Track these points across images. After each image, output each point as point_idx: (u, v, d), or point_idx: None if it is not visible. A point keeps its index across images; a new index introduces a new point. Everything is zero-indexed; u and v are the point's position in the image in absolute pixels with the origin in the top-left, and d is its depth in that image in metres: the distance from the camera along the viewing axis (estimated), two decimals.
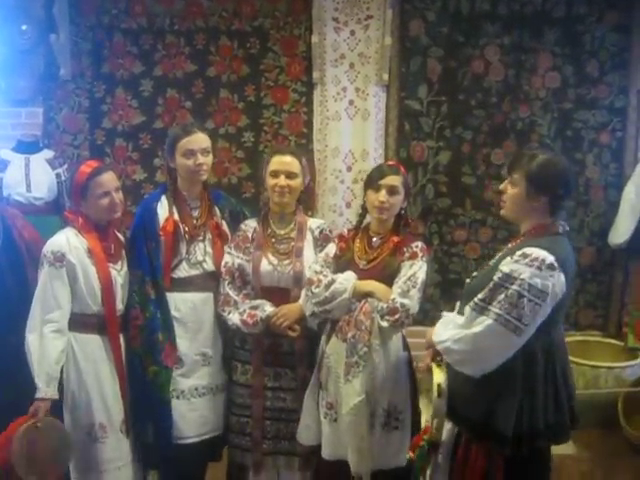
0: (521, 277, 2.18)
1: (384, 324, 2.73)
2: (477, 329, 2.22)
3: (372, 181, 2.88)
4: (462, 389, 2.34)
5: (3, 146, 4.33)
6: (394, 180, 2.86)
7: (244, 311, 2.97)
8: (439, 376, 2.38)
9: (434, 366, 2.44)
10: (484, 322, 2.21)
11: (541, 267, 2.19)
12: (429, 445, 2.44)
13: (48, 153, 4.28)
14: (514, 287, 2.18)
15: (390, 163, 3.25)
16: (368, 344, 2.72)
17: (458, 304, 2.58)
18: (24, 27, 4.42)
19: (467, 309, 2.30)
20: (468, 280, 2.53)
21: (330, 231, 3.18)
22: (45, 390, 2.75)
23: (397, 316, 2.72)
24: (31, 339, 2.77)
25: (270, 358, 3.03)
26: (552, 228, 2.35)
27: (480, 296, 2.25)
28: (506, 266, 2.23)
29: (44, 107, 4.52)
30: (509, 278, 2.20)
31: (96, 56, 4.48)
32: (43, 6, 4.41)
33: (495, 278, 2.23)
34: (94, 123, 4.52)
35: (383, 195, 2.83)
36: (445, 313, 2.49)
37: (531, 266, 2.19)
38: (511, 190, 2.38)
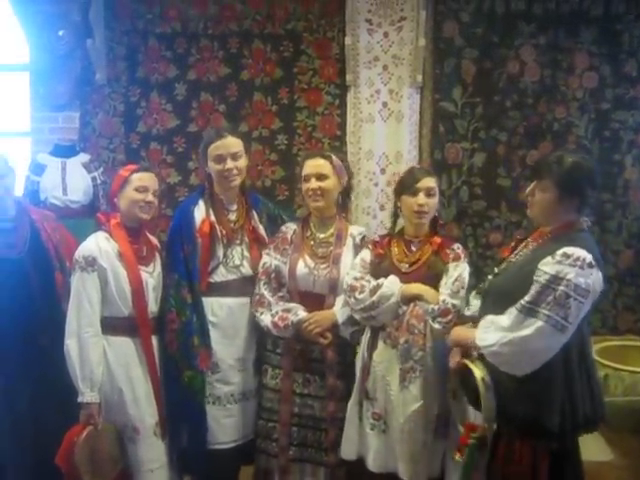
0: (567, 277, 2.21)
1: (437, 326, 2.70)
2: (527, 332, 2.24)
3: (407, 186, 2.85)
4: (505, 387, 2.32)
5: (41, 150, 4.40)
6: (430, 182, 2.84)
7: (276, 313, 2.95)
8: (480, 371, 2.35)
9: (469, 363, 2.41)
10: (534, 324, 2.23)
11: (583, 266, 2.22)
12: (479, 443, 2.40)
13: (84, 157, 4.33)
14: (561, 288, 2.21)
15: (420, 166, 3.22)
16: (423, 348, 2.70)
17: (472, 299, 2.63)
18: (61, 32, 4.48)
19: (512, 311, 2.28)
20: (490, 277, 2.51)
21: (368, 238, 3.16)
22: (90, 395, 2.80)
23: (449, 317, 2.70)
24: (71, 344, 2.80)
25: (300, 364, 3.00)
26: (578, 225, 2.39)
27: (527, 298, 2.25)
28: (549, 267, 2.25)
29: (80, 111, 4.57)
30: (555, 279, 2.22)
31: (131, 60, 4.53)
32: (79, 12, 4.46)
33: (541, 280, 2.24)
34: (129, 127, 4.56)
35: (422, 198, 2.81)
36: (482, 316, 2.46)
37: (574, 266, 2.22)
38: (540, 195, 2.39)
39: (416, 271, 2.82)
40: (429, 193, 2.82)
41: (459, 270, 2.78)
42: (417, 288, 2.77)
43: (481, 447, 2.39)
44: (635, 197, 4.44)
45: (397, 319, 2.76)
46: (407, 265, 2.85)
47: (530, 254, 2.41)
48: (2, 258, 3.05)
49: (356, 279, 2.85)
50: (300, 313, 2.93)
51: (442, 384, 2.76)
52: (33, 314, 3.00)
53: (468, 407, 2.55)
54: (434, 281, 2.79)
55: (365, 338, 2.89)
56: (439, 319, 2.70)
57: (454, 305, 2.70)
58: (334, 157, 3.04)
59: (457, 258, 2.82)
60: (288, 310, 2.95)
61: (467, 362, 2.42)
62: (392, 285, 2.77)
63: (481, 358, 2.39)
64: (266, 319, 2.96)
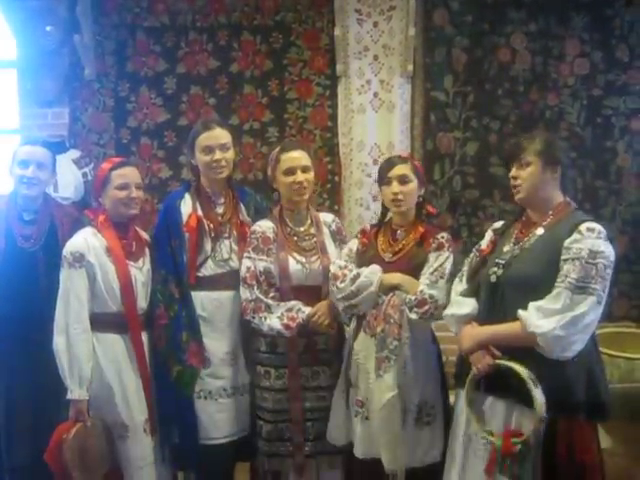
0: (600, 249, 2.30)
1: (413, 316, 2.69)
2: (583, 308, 2.28)
3: (382, 176, 2.86)
4: (553, 376, 2.33)
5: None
6: (402, 169, 2.82)
7: (282, 315, 2.89)
8: (523, 369, 2.33)
9: (507, 362, 2.38)
10: (587, 300, 2.28)
11: (605, 238, 2.34)
12: (525, 447, 2.35)
13: (74, 153, 4.30)
14: (599, 260, 2.30)
15: (397, 155, 3.20)
16: (398, 337, 2.68)
17: (460, 297, 2.59)
18: (48, 28, 4.44)
19: (562, 292, 2.30)
20: (495, 269, 2.48)
21: (342, 224, 3.20)
22: (79, 392, 2.79)
23: (426, 308, 2.68)
24: (59, 341, 2.80)
25: (307, 358, 2.98)
26: (570, 205, 2.50)
27: (574, 276, 2.29)
28: (581, 243, 2.32)
29: (70, 107, 4.53)
30: (592, 253, 2.30)
31: (120, 55, 4.50)
32: (67, 7, 4.42)
33: (582, 255, 2.30)
34: (119, 122, 4.53)
35: (395, 186, 2.80)
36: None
37: (600, 238, 2.33)
38: (525, 172, 2.47)
39: (398, 260, 2.81)
40: (403, 180, 2.80)
41: (440, 260, 2.76)
42: (396, 278, 2.76)
43: (527, 451, 2.36)
44: (628, 184, 4.42)
45: (376, 308, 2.75)
46: (390, 254, 2.84)
47: (543, 236, 2.44)
48: (16, 248, 3.07)
49: (340, 268, 2.84)
50: (304, 309, 2.91)
51: (424, 374, 2.75)
52: (38, 308, 2.99)
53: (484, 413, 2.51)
54: (417, 271, 2.77)
55: (351, 326, 2.89)
56: (416, 309, 2.69)
57: (431, 296, 2.68)
58: (309, 149, 3.06)
59: (440, 247, 2.79)
60: (291, 309, 2.91)
61: (505, 362, 2.40)
62: (371, 275, 2.76)
63: (511, 356, 2.39)
64: (274, 323, 2.87)
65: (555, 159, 2.46)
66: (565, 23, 4.30)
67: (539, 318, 2.30)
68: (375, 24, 4.36)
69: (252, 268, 2.95)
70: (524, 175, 2.46)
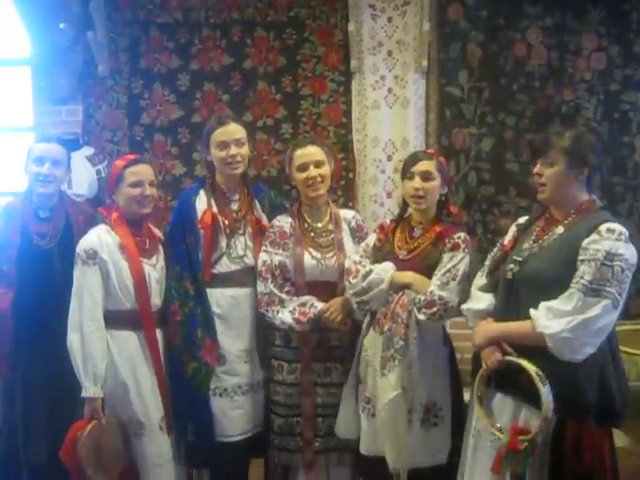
0: (619, 252, 2.24)
1: (421, 317, 2.67)
2: (595, 312, 2.23)
3: (405, 170, 2.84)
4: (565, 377, 2.29)
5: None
6: (427, 165, 2.79)
7: (294, 309, 2.91)
8: (532, 366, 2.30)
9: (516, 359, 2.36)
10: (600, 303, 2.23)
11: (627, 240, 2.26)
12: (531, 445, 2.33)
13: (88, 150, 4.30)
14: (617, 263, 2.23)
15: (423, 150, 3.18)
16: (405, 337, 2.66)
17: (479, 292, 2.55)
18: (62, 25, 4.44)
19: (574, 293, 2.26)
20: (512, 266, 2.45)
21: (363, 221, 3.15)
22: (94, 389, 2.79)
23: (435, 309, 2.66)
24: (73, 339, 2.80)
25: (320, 354, 2.99)
26: (595, 204, 2.42)
27: (588, 278, 2.24)
28: (600, 244, 2.26)
29: (83, 104, 4.53)
30: (609, 255, 2.23)
31: (133, 52, 4.48)
32: (80, 4, 4.41)
33: (598, 257, 2.24)
34: (133, 119, 4.52)
35: (417, 182, 2.77)
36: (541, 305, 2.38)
37: (620, 240, 2.25)
38: (549, 170, 2.39)
39: (413, 259, 2.79)
40: (426, 177, 2.77)
41: (454, 261, 2.72)
42: (408, 276, 2.74)
43: (534, 449, 2.33)
44: None
45: (386, 306, 2.73)
46: (405, 252, 2.81)
47: (562, 235, 2.39)
48: (32, 245, 3.07)
49: (355, 263, 2.84)
50: (317, 304, 2.91)
51: (431, 375, 2.73)
52: (54, 306, 3.01)
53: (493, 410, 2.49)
54: (430, 271, 2.75)
55: (365, 323, 2.87)
56: (424, 310, 2.66)
57: (441, 297, 2.66)
58: (324, 145, 3.04)
59: (455, 248, 2.76)
60: (304, 304, 2.92)
61: (514, 359, 2.37)
62: (383, 272, 2.74)
63: (522, 354, 2.36)
64: (286, 317, 2.91)
65: (582, 160, 2.38)
66: (581, 17, 4.25)
67: (549, 319, 2.28)
68: (389, 19, 4.32)
69: (268, 262, 2.97)
70: (548, 174, 2.40)
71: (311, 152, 2.97)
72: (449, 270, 2.71)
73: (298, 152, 2.99)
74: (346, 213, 3.14)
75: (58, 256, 3.11)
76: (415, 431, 2.71)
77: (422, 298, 2.68)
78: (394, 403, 2.64)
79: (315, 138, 3.19)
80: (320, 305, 2.91)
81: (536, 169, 2.44)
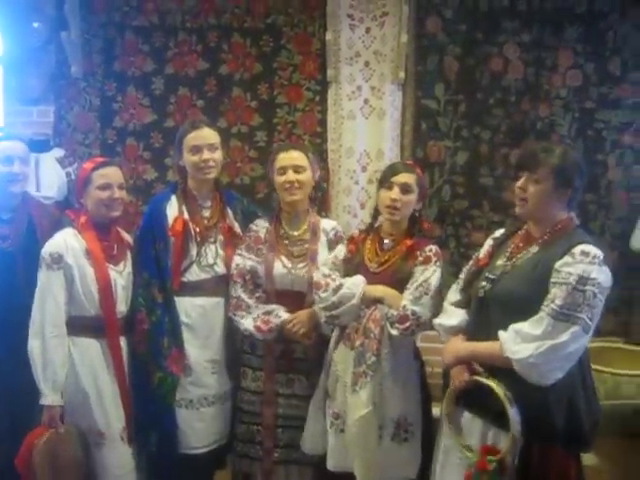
0: (591, 276, 2.19)
1: (394, 332, 2.64)
2: (563, 338, 2.19)
3: (384, 179, 2.80)
4: (532, 399, 2.26)
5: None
6: (407, 178, 2.77)
7: (257, 317, 2.89)
8: (499, 387, 2.27)
9: (484, 380, 2.33)
10: (570, 329, 2.19)
11: (601, 264, 2.21)
12: (499, 466, 2.29)
13: (58, 152, 4.24)
14: (588, 288, 2.18)
15: (405, 162, 3.17)
16: (377, 353, 2.63)
17: (451, 307, 2.53)
18: (35, 25, 4.37)
19: (544, 317, 2.22)
20: (484, 283, 2.42)
21: (344, 233, 3.10)
22: (52, 397, 2.74)
23: (407, 324, 2.63)
24: (34, 345, 2.75)
25: (283, 364, 2.96)
26: (573, 222, 2.38)
27: (558, 302, 2.20)
28: (572, 267, 2.21)
29: (55, 106, 4.45)
30: (582, 279, 2.18)
31: (107, 54, 4.41)
32: (54, 4, 4.34)
33: (569, 281, 2.19)
34: (105, 122, 4.45)
35: (396, 193, 2.75)
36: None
37: (594, 264, 2.20)
38: (535, 188, 2.34)
39: (384, 272, 2.76)
40: (405, 189, 2.76)
41: (426, 275, 2.70)
42: (380, 291, 2.71)
43: (502, 470, 2.29)
44: (618, 198, 4.38)
45: (357, 321, 2.69)
46: (376, 265, 2.79)
47: (537, 255, 2.35)
48: None
49: (324, 276, 2.79)
50: (282, 314, 2.88)
51: (401, 390, 2.70)
52: (16, 310, 2.94)
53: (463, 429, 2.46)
54: (401, 285, 2.72)
55: (333, 336, 2.83)
56: (397, 325, 2.64)
57: (414, 312, 2.64)
58: (309, 152, 3.00)
59: (427, 261, 2.74)
60: (269, 312, 2.89)
61: (482, 379, 2.34)
62: (354, 286, 2.71)
63: (491, 373, 2.33)
64: (247, 323, 2.90)
65: (569, 180, 2.34)
66: (559, 34, 4.26)
67: (517, 343, 2.24)
68: (367, 30, 4.30)
69: (241, 265, 2.96)
70: (533, 191, 2.35)
71: (293, 156, 2.95)
72: (421, 284, 2.68)
73: (280, 155, 2.98)
74: (326, 223, 3.11)
75: (21, 259, 3.04)
76: (385, 446, 2.69)
77: (395, 313, 2.65)
78: (365, 420, 2.61)
79: (301, 145, 3.17)
80: (285, 315, 2.88)
81: (520, 183, 2.39)
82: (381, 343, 2.64)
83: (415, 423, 2.76)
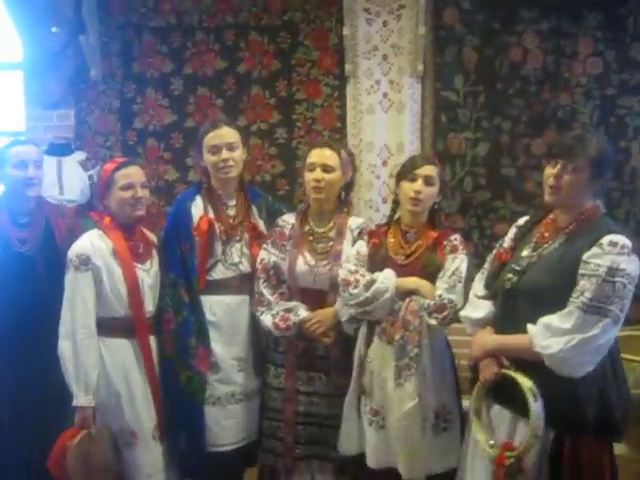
0: (621, 267, 2.16)
1: (432, 322, 2.63)
2: (595, 331, 2.16)
3: (407, 171, 2.79)
4: (563, 391, 2.24)
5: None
6: (430, 170, 2.77)
7: (277, 313, 2.88)
8: (527, 380, 2.25)
9: (512, 373, 2.31)
10: (601, 322, 2.16)
11: (630, 253, 2.18)
12: (517, 461, 2.28)
13: (80, 155, 4.27)
14: (618, 279, 2.15)
15: (426, 154, 3.16)
16: (418, 345, 2.62)
17: (477, 300, 2.52)
18: (54, 29, 4.42)
19: (574, 311, 2.19)
20: (510, 275, 2.41)
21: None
22: (84, 398, 2.75)
23: (445, 313, 2.63)
24: (65, 347, 2.75)
25: (304, 362, 2.95)
26: (599, 210, 2.36)
27: (588, 295, 2.16)
28: (601, 258, 2.18)
29: (75, 109, 4.50)
30: (611, 271, 2.15)
31: (126, 56, 4.45)
32: (72, 7, 4.39)
33: (598, 273, 2.16)
34: (125, 124, 4.48)
35: (419, 185, 2.74)
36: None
37: (623, 254, 2.17)
38: (571, 177, 2.29)
39: (412, 264, 2.76)
40: (428, 181, 2.75)
41: (456, 263, 2.71)
42: (413, 282, 2.70)
43: (520, 466, 2.27)
44: None
45: (392, 314, 2.69)
46: (403, 257, 2.78)
47: (563, 245, 2.32)
48: (13, 252, 3.02)
49: (350, 272, 2.77)
50: (302, 312, 2.87)
51: (440, 380, 2.70)
52: (40, 312, 2.96)
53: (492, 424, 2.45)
54: (432, 277, 2.72)
55: (361, 332, 2.81)
56: (435, 315, 2.63)
57: (450, 300, 2.64)
58: (342, 150, 2.97)
59: (454, 250, 2.75)
60: (289, 310, 2.89)
61: (510, 373, 2.32)
62: (387, 280, 2.70)
63: (518, 366, 2.31)
64: (267, 320, 2.89)
65: (602, 170, 2.31)
66: (578, 22, 4.22)
67: (546, 337, 2.22)
68: (384, 23, 4.29)
69: (265, 261, 2.96)
70: (569, 180, 2.29)
71: (324, 155, 2.92)
72: (454, 272, 2.70)
73: (313, 151, 2.96)
74: (353, 221, 3.06)
75: (41, 262, 3.05)
76: (428, 438, 2.68)
77: (431, 303, 2.65)
78: (411, 413, 2.61)
79: (336, 143, 3.13)
80: (304, 314, 2.87)
81: (555, 172, 2.32)
82: (421, 334, 2.63)
83: (453, 412, 2.76)
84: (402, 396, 2.62)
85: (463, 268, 2.71)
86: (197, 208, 3.01)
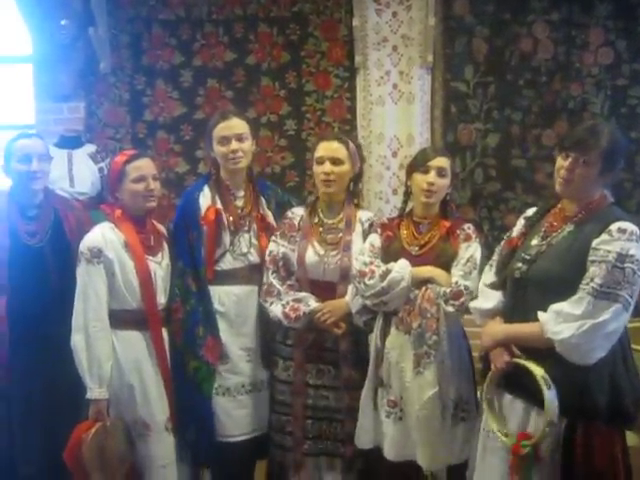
0: (630, 253, 2.17)
1: (449, 309, 2.63)
2: (605, 316, 2.16)
3: (419, 163, 2.79)
4: (574, 379, 2.24)
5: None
6: (443, 162, 2.77)
7: (287, 303, 2.88)
8: (539, 369, 2.26)
9: (524, 362, 2.31)
10: (611, 307, 2.17)
11: (638, 240, 2.19)
12: (534, 450, 2.29)
13: (90, 147, 4.26)
14: (628, 265, 2.16)
15: (437, 147, 3.15)
16: (436, 332, 2.62)
17: (487, 289, 2.51)
18: (63, 22, 4.42)
19: (584, 297, 2.19)
20: (520, 264, 2.40)
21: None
22: (98, 391, 2.75)
23: (462, 299, 2.63)
24: (78, 339, 2.76)
25: (313, 354, 2.94)
26: (607, 200, 2.35)
27: (598, 281, 2.18)
28: (611, 245, 2.19)
29: (85, 101, 4.50)
30: (621, 257, 2.17)
31: (135, 48, 4.45)
32: (81, 0, 4.39)
33: (608, 259, 2.18)
34: (135, 116, 4.49)
35: (432, 176, 2.74)
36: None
37: (632, 240, 2.18)
38: (583, 170, 2.28)
39: (426, 254, 2.76)
40: (440, 173, 2.75)
41: (470, 251, 2.72)
42: (428, 271, 2.71)
43: (538, 455, 2.29)
44: None
45: (409, 304, 2.69)
46: (417, 248, 2.78)
47: (572, 233, 2.33)
48: (23, 245, 3.03)
49: (365, 264, 2.77)
50: (312, 303, 2.87)
51: (458, 370, 2.70)
52: (50, 305, 2.97)
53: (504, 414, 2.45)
54: (446, 267, 2.72)
55: (377, 324, 2.81)
56: (452, 302, 2.63)
57: (466, 287, 2.64)
58: (350, 142, 2.97)
59: (468, 238, 2.76)
60: (299, 300, 2.88)
61: (522, 361, 2.33)
62: (402, 269, 2.70)
63: (529, 355, 2.31)
64: (276, 309, 2.89)
65: (614, 164, 2.31)
66: (588, 11, 4.20)
67: (558, 323, 2.22)
68: (394, 14, 4.27)
69: (274, 252, 2.95)
70: (581, 172, 2.29)
71: (332, 147, 2.92)
72: (468, 260, 2.71)
73: (321, 144, 2.96)
74: (362, 214, 3.06)
75: (50, 254, 3.06)
76: (447, 428, 2.68)
77: (448, 290, 2.65)
78: (432, 401, 2.61)
79: (344, 135, 3.12)
80: (314, 304, 2.87)
81: (567, 164, 2.32)
82: (439, 321, 2.63)
83: (470, 402, 2.75)
84: (422, 384, 2.62)
85: (477, 255, 2.72)
86: (205, 198, 3.01)
